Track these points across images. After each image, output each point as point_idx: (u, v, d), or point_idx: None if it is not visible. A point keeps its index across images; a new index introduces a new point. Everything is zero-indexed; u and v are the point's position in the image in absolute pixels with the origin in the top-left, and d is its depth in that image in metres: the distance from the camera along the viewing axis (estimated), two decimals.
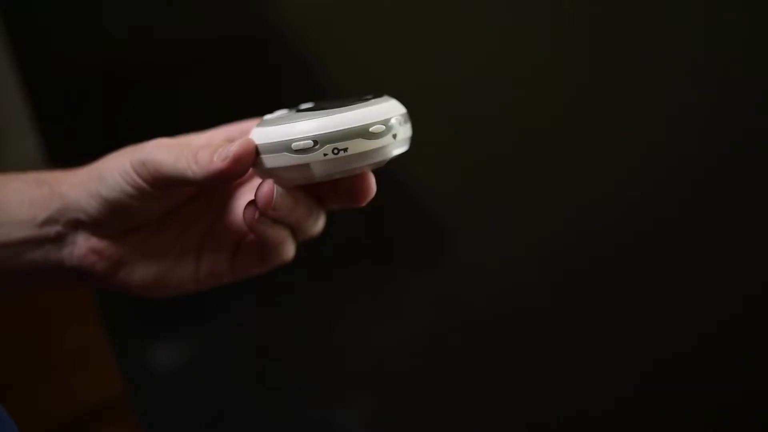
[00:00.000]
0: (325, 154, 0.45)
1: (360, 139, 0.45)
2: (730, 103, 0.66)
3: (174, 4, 0.90)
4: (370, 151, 0.46)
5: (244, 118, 0.54)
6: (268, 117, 0.49)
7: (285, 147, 0.45)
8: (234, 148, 0.45)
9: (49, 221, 0.53)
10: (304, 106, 0.51)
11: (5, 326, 1.24)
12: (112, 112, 0.97)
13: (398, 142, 0.47)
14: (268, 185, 0.47)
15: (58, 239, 0.53)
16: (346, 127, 0.45)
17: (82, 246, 0.53)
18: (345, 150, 0.45)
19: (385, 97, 0.48)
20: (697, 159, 0.68)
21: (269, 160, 0.46)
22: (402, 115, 0.48)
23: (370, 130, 0.45)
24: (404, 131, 0.47)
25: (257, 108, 0.55)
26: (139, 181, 0.49)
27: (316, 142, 0.45)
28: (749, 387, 0.72)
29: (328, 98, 0.51)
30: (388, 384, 0.83)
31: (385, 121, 0.46)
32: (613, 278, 0.75)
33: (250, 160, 0.46)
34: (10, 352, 1.29)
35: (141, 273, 0.54)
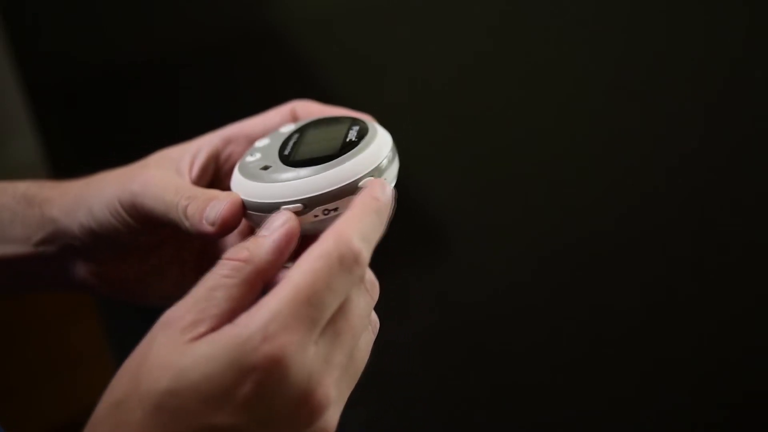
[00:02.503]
0: (315, 216, 0.44)
1: (350, 196, 0.43)
2: (730, 104, 0.66)
3: (174, 4, 0.90)
4: None
5: (242, 117, 0.54)
6: (249, 159, 0.47)
7: (274, 208, 0.44)
8: (222, 213, 0.44)
9: (44, 242, 0.52)
10: (285, 129, 0.49)
11: (5, 326, 1.24)
12: (112, 112, 0.97)
13: (390, 184, 0.45)
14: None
15: (58, 257, 0.53)
16: (335, 188, 0.43)
17: (81, 268, 0.53)
18: (335, 209, 0.44)
19: (371, 131, 0.46)
20: (697, 159, 0.68)
21: (258, 218, 0.45)
22: (390, 152, 0.46)
23: (360, 185, 0.44)
24: (392, 170, 0.46)
25: (257, 108, 0.55)
26: (131, 221, 0.48)
27: (305, 206, 0.43)
28: (749, 387, 0.72)
29: (312, 122, 0.49)
30: (388, 384, 0.83)
31: (374, 171, 0.44)
32: (613, 278, 0.75)
33: (239, 221, 0.45)
34: (11, 352, 1.29)
35: (144, 290, 0.54)
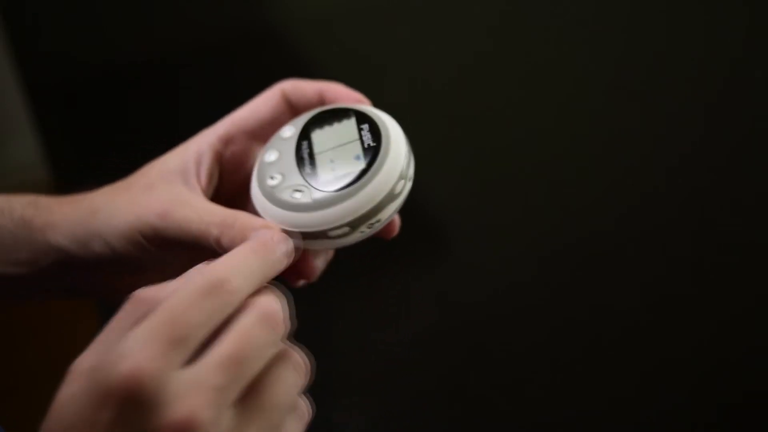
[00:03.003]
0: (362, 232, 0.44)
1: (388, 205, 0.44)
2: (730, 104, 0.66)
3: (174, 4, 0.90)
4: (397, 207, 0.45)
5: None
6: (271, 183, 0.45)
7: (322, 235, 0.44)
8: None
9: (53, 266, 0.50)
10: (287, 133, 0.48)
11: (5, 326, 1.24)
12: (112, 112, 0.97)
13: (411, 180, 0.46)
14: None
15: (68, 277, 0.51)
16: (376, 203, 0.43)
17: (92, 283, 0.52)
18: (378, 221, 0.44)
19: (381, 127, 0.45)
20: (697, 159, 0.68)
21: (299, 243, 0.45)
22: (407, 147, 0.46)
23: (395, 192, 0.44)
24: (412, 166, 0.46)
25: None
26: (153, 249, 0.47)
27: (352, 227, 0.44)
28: (749, 387, 0.72)
29: (312, 120, 0.48)
30: (387, 384, 0.83)
31: (403, 173, 0.44)
32: (613, 278, 0.75)
33: None
34: (11, 352, 1.29)
35: None
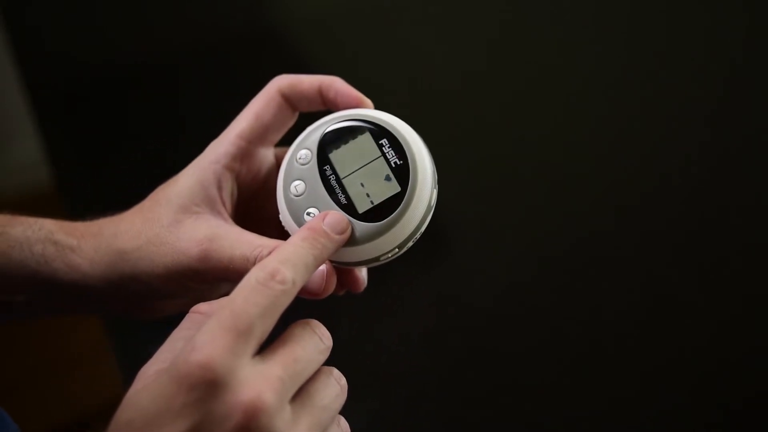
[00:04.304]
0: (407, 246, 0.46)
1: (427, 217, 0.46)
2: (731, 104, 0.66)
3: (174, 4, 0.90)
4: (431, 214, 0.46)
5: None
6: (311, 219, 0.45)
7: (372, 261, 0.46)
8: (325, 285, 0.45)
9: (75, 298, 0.52)
10: (303, 157, 0.47)
11: (6, 327, 1.24)
12: (113, 112, 0.97)
13: (437, 183, 0.47)
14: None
15: (94, 304, 0.54)
16: (419, 220, 0.45)
17: (123, 310, 0.53)
18: (420, 233, 0.46)
19: (401, 140, 0.46)
20: (697, 160, 0.68)
21: (351, 267, 0.46)
22: (429, 154, 0.47)
23: (431, 204, 0.46)
24: (435, 170, 0.47)
25: None
26: (196, 286, 0.49)
27: (400, 248, 0.45)
28: (749, 387, 0.72)
29: (325, 140, 0.47)
30: (388, 384, 0.83)
31: (433, 184, 0.46)
32: (613, 279, 0.75)
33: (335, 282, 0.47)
34: (11, 353, 1.29)
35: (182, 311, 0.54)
